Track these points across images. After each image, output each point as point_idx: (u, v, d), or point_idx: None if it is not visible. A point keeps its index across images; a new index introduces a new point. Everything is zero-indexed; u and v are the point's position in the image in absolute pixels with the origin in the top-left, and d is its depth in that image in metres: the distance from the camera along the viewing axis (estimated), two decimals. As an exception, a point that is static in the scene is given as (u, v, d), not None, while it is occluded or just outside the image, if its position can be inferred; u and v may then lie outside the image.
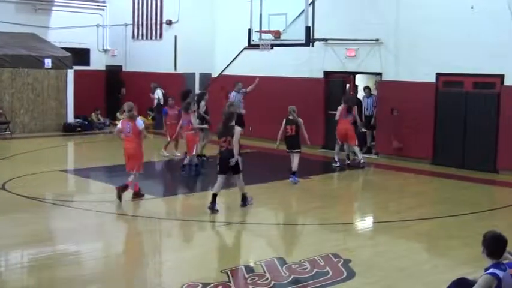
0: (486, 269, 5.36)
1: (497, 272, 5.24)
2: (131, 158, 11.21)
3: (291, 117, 13.14)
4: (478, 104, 14.75)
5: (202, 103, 15.30)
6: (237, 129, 10.75)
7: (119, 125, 11.64)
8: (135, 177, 11.20)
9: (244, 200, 10.99)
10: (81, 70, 22.36)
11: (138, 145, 11.24)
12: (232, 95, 16.81)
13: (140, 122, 11.26)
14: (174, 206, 11.85)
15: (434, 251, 8.96)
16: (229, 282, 7.12)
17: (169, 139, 16.10)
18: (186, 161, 14.05)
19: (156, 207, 11.42)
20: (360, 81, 18.82)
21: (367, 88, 17.65)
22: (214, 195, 10.58)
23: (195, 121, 14.14)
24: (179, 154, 15.83)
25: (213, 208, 10.49)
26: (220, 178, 10.74)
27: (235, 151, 10.59)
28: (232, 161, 10.55)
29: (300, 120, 13.15)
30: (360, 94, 18.28)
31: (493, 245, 5.37)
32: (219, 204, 10.60)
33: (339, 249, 8.42)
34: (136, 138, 11.16)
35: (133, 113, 11.17)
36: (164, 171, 15.44)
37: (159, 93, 21.72)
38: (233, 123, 10.83)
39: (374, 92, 17.75)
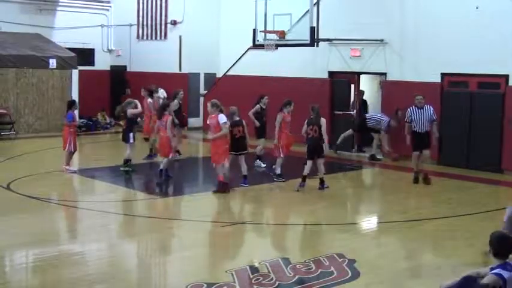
0: (492, 269, 5.37)
1: (503, 272, 5.25)
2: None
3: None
4: (483, 104, 14.71)
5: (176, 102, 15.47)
6: (323, 120, 12.22)
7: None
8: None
9: (322, 184, 12.22)
10: (86, 70, 22.37)
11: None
12: None
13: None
14: (178, 206, 11.84)
15: (439, 251, 8.93)
16: (234, 282, 7.12)
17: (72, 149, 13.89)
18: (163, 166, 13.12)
19: (160, 208, 11.46)
20: (366, 83, 18.72)
21: (419, 95, 13.35)
22: (304, 177, 12.07)
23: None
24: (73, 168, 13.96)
25: (301, 185, 12.06)
26: (309, 163, 12.11)
27: (326, 138, 12.22)
28: (324, 146, 12.15)
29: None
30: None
31: (500, 245, 5.37)
32: (224, 204, 10.59)
33: (344, 249, 8.42)
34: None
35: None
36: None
37: (163, 93, 21.74)
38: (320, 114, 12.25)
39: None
